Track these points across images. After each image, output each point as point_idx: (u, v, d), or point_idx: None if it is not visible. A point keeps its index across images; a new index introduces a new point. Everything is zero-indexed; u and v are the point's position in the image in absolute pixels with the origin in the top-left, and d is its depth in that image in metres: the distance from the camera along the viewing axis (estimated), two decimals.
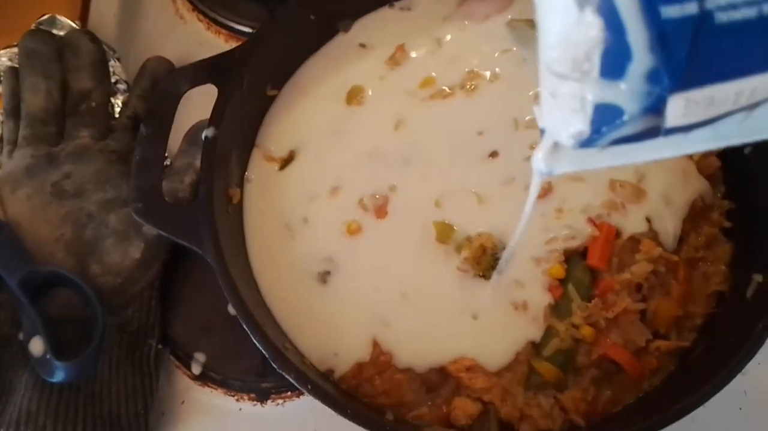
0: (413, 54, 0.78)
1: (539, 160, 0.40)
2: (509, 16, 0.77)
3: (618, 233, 0.67)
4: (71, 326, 0.73)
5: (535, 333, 0.64)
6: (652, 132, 0.32)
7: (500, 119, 0.73)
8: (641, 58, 0.29)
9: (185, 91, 0.68)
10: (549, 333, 0.64)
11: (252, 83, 0.71)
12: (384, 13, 0.81)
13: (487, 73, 0.76)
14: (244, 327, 0.58)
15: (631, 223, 0.67)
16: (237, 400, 0.78)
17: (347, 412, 0.55)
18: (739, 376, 0.77)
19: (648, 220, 0.67)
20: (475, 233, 0.68)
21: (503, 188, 0.70)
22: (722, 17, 0.28)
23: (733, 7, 0.28)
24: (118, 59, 0.93)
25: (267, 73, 0.74)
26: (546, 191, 0.69)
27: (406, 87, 0.77)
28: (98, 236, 0.77)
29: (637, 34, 0.29)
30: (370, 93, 0.77)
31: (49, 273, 0.73)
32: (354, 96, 0.77)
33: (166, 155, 0.85)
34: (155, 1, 1.01)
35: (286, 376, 0.56)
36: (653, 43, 0.29)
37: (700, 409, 0.76)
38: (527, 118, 0.72)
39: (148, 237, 0.77)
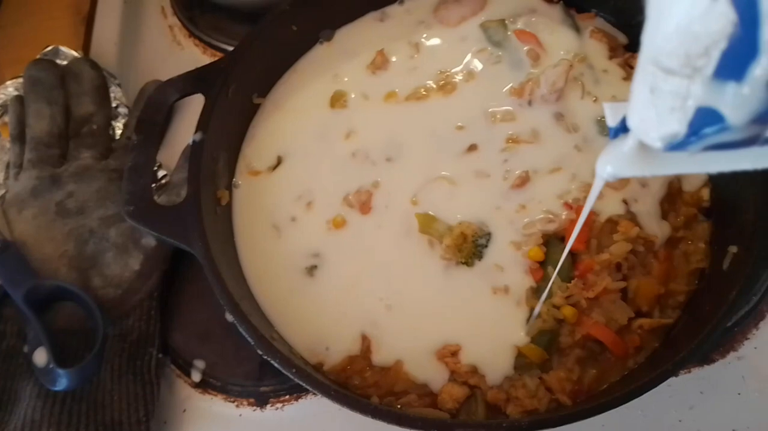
0: (393, 58, 0.82)
1: (605, 163, 0.38)
2: (483, 18, 0.81)
3: (595, 216, 0.68)
4: (75, 337, 0.75)
5: (518, 317, 0.65)
6: (749, 140, 0.29)
7: (477, 115, 0.76)
8: None
9: (174, 101, 0.71)
10: (532, 315, 0.65)
11: (237, 91, 0.74)
12: (364, 23, 0.85)
13: (464, 72, 0.79)
14: (230, 316, 0.59)
15: (608, 206, 0.69)
16: (237, 406, 0.78)
17: (331, 394, 0.56)
18: (736, 361, 0.77)
19: (625, 202, 0.69)
20: (456, 222, 0.70)
21: (482, 179, 0.72)
22: None
23: None
24: (119, 85, 0.98)
25: (252, 81, 0.78)
26: (523, 180, 0.70)
27: (388, 89, 0.80)
28: (99, 250, 0.79)
29: None
30: (352, 96, 0.80)
31: (52, 287, 0.76)
32: (337, 100, 0.80)
33: (166, 172, 0.89)
34: (153, 29, 1.07)
35: (272, 361, 0.58)
36: None
37: (699, 396, 0.76)
38: (502, 110, 0.75)
39: (147, 249, 0.80)
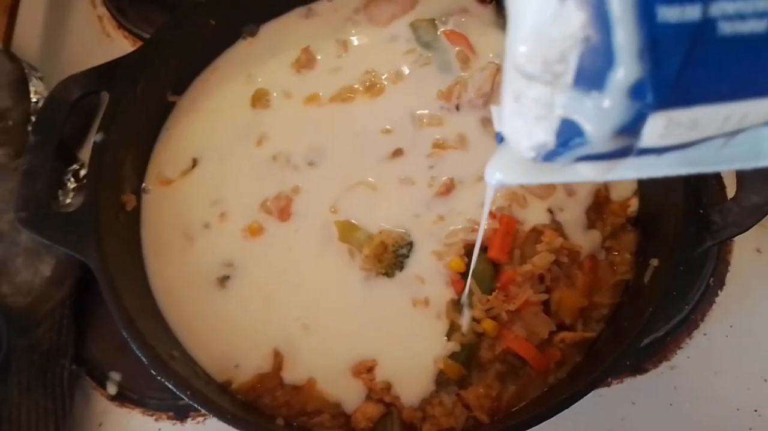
0: (319, 57, 0.78)
1: (493, 170, 0.37)
2: (413, 17, 0.78)
3: (519, 226, 0.66)
4: None
5: (438, 330, 0.63)
6: (623, 151, 0.28)
7: (404, 118, 0.73)
8: (626, 66, 0.24)
9: (77, 99, 0.67)
10: (452, 328, 0.63)
11: (147, 89, 0.70)
12: (289, 18, 0.81)
13: (392, 73, 0.76)
14: (123, 333, 0.56)
15: (533, 215, 0.66)
16: (156, 420, 0.75)
17: (227, 417, 0.53)
18: (668, 371, 0.76)
19: (550, 211, 0.67)
20: (377, 230, 0.67)
21: (407, 186, 0.70)
22: (726, 28, 0.23)
23: (741, 17, 0.23)
24: (41, 78, 0.92)
25: (165, 78, 0.74)
26: (448, 187, 0.68)
27: (313, 89, 0.76)
28: (9, 255, 0.75)
29: (625, 37, 0.24)
30: (275, 96, 0.77)
31: None
32: (259, 100, 0.77)
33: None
34: (81, 19, 1.01)
35: (166, 382, 0.54)
36: (643, 50, 0.24)
37: (630, 407, 0.74)
38: (429, 114, 0.72)
39: (60, 254, 0.75)
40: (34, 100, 0.90)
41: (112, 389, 0.76)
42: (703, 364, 0.74)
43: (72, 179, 0.85)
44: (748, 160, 0.31)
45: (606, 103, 0.25)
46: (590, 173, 0.32)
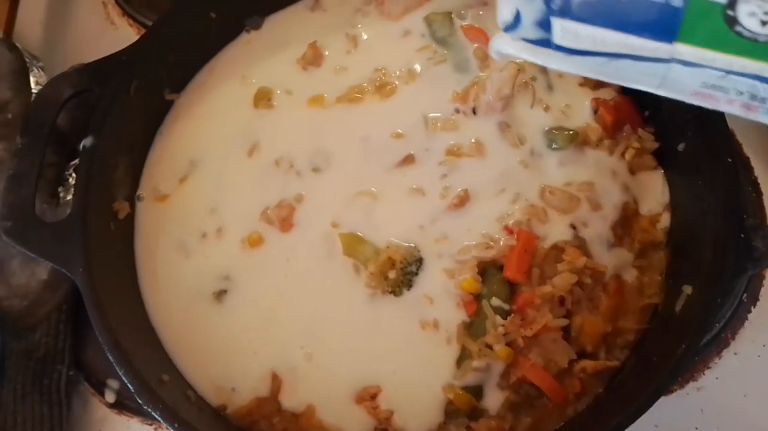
0: (326, 53, 0.74)
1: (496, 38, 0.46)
2: (429, 10, 0.72)
3: (539, 242, 0.61)
4: None
5: (448, 356, 0.58)
6: (545, 42, 0.41)
7: (417, 121, 0.68)
8: None
9: (68, 98, 0.63)
10: (462, 354, 0.59)
11: (142, 88, 0.66)
12: (296, 10, 0.76)
13: (404, 72, 0.71)
14: (108, 356, 0.52)
15: (554, 230, 0.62)
16: (155, 429, 0.73)
17: None
18: (695, 392, 0.72)
19: (573, 227, 0.62)
20: (384, 245, 0.63)
21: (417, 196, 0.65)
22: None
23: None
24: (42, 68, 0.89)
25: (162, 75, 0.70)
26: (462, 199, 0.63)
27: (319, 88, 0.72)
28: (5, 257, 0.72)
29: None
30: (278, 94, 0.72)
31: None
32: (261, 99, 0.72)
33: None
34: (84, 6, 0.98)
35: (152, 412, 0.51)
36: None
37: (652, 429, 0.70)
38: (443, 118, 0.68)
39: None
40: (35, 91, 0.87)
41: (110, 397, 0.74)
42: (732, 386, 0.71)
43: (73, 175, 0.82)
44: (620, 80, 0.42)
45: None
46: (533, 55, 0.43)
